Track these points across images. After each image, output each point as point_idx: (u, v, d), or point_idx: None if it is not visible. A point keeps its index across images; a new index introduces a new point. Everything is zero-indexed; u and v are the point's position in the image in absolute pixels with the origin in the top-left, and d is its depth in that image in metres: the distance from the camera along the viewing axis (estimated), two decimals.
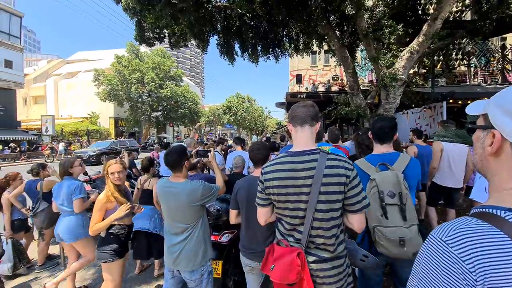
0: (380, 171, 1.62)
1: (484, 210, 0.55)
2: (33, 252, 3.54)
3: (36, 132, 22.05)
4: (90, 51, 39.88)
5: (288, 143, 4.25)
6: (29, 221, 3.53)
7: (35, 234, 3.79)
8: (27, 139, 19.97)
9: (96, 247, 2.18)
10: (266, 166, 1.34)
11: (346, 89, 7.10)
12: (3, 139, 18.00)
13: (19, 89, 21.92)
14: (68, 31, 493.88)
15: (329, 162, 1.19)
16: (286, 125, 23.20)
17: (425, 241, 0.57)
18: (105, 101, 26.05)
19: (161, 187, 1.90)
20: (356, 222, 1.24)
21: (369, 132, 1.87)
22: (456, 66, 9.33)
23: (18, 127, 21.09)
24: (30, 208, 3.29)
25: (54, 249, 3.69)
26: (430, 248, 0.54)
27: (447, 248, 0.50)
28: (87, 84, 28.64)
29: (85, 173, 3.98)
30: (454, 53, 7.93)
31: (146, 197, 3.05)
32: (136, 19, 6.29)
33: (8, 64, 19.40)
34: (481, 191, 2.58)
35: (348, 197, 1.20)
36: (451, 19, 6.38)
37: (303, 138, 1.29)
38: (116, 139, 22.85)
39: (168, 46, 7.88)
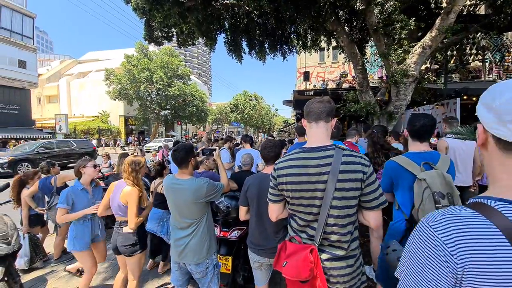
0: (424, 170, 1.54)
1: (478, 200, 0.57)
2: (49, 246, 3.67)
3: (50, 131, 22.72)
4: (100, 51, 40.66)
5: (296, 140, 4.23)
6: (45, 216, 3.66)
7: (51, 228, 3.94)
8: (42, 137, 20.61)
9: (122, 244, 2.19)
10: (279, 162, 1.32)
11: (355, 86, 7.00)
12: (18, 137, 18.64)
13: (33, 89, 22.59)
14: (79, 31, 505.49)
15: (345, 158, 1.17)
16: (293, 123, 23.05)
17: (416, 226, 0.59)
18: (115, 100, 26.57)
19: (168, 183, 1.96)
20: (372, 219, 1.22)
21: (404, 130, 1.81)
22: (470, 61, 9.04)
23: (32, 126, 21.79)
24: (46, 206, 3.40)
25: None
26: (418, 232, 0.57)
27: (432, 232, 0.53)
28: (98, 83, 29.29)
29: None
30: (468, 48, 7.68)
31: (160, 200, 3.07)
32: (145, 18, 6.38)
33: (22, 64, 19.99)
34: None
35: (365, 194, 1.18)
36: (464, 13, 6.19)
37: (317, 134, 1.27)
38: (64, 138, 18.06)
39: (176, 45, 7.95)
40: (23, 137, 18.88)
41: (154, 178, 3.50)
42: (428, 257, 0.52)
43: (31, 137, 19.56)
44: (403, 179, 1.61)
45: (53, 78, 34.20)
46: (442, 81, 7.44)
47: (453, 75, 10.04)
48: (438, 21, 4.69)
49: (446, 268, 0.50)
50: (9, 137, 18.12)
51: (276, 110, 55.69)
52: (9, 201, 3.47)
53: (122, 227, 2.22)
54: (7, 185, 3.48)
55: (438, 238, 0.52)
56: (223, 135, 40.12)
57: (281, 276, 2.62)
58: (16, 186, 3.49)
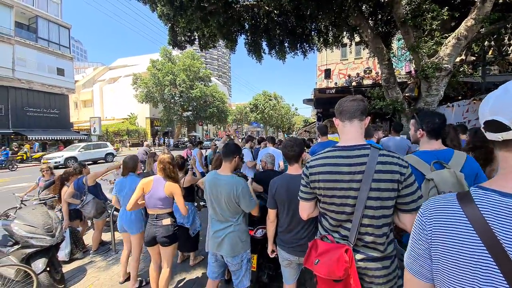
0: (435, 169, 1.48)
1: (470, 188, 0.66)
2: (89, 238, 3.98)
3: (86, 133, 24.63)
4: (129, 57, 43.09)
5: (319, 140, 4.16)
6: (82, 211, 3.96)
7: (90, 221, 4.26)
8: (79, 138, 22.34)
9: (163, 235, 2.34)
10: (312, 160, 1.32)
11: (380, 82, 6.70)
12: (58, 138, 20.41)
13: (71, 94, 24.57)
14: (110, 40, 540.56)
15: (382, 158, 1.15)
16: (313, 122, 22.58)
17: None
18: (142, 103, 28.07)
19: (210, 178, 2.10)
20: (409, 222, 1.16)
21: (419, 128, 1.66)
22: (509, 52, 8.24)
23: (71, 128, 23.75)
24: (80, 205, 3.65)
25: (105, 236, 4.09)
26: None
27: (420, 211, 0.71)
28: (126, 87, 31.12)
29: None
30: (507, 38, 7.01)
31: (184, 193, 3.22)
32: (169, 24, 6.66)
33: (61, 72, 21.86)
34: None
35: (402, 196, 1.14)
36: (501, 0, 5.65)
37: (351, 132, 1.25)
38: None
39: (197, 48, 8.20)
40: (63, 138, 20.63)
41: None
42: (415, 227, 0.71)
43: (70, 138, 21.31)
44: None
45: (88, 84, 37.00)
46: (480, 74, 6.86)
47: (492, 67, 9.20)
48: (473, 10, 4.34)
49: (423, 232, 0.67)
50: (50, 138, 19.88)
51: (296, 109, 54.98)
52: (54, 197, 3.81)
53: (161, 220, 2.35)
54: (53, 182, 3.83)
55: (421, 214, 0.69)
56: (243, 135, 40.48)
57: (305, 276, 2.61)
58: (57, 184, 3.82)
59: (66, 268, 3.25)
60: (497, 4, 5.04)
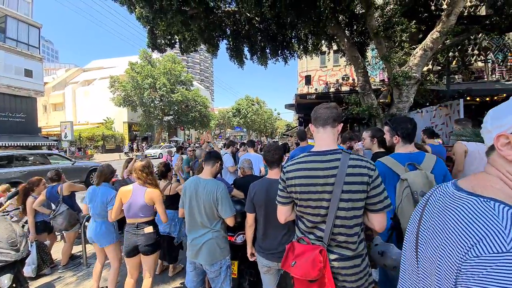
0: (408, 170, 1.60)
1: None
2: (57, 252, 3.70)
3: (56, 138, 23.03)
4: (105, 59, 41.28)
5: (301, 144, 4.24)
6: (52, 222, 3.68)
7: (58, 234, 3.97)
8: (43, 144, 20.86)
9: (145, 244, 2.26)
10: (288, 165, 1.37)
11: (357, 89, 7.02)
12: (24, 144, 18.89)
13: (40, 97, 22.95)
14: (84, 41, 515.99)
15: (352, 162, 1.22)
16: (295, 127, 23.02)
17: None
18: (119, 107, 26.89)
19: (190, 182, 2.08)
20: (376, 222, 1.25)
21: (394, 134, 1.80)
22: (472, 62, 9.04)
23: (38, 134, 22.08)
24: (51, 215, 3.41)
25: (76, 249, 3.84)
26: None
27: None
28: (102, 90, 29.69)
29: None
30: (470, 48, 7.70)
31: (167, 202, 3.10)
32: (148, 27, 6.51)
33: (28, 73, 20.34)
34: None
35: (370, 197, 1.22)
36: (465, 14, 6.22)
37: (324, 138, 1.33)
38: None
39: (179, 51, 8.07)
40: (29, 144, 19.15)
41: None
42: None
43: (37, 144, 19.83)
44: (390, 180, 1.67)
45: (59, 86, 34.76)
46: (445, 83, 7.44)
47: (456, 76, 10.02)
48: (439, 23, 4.71)
49: None
50: (15, 144, 18.36)
51: (279, 114, 55.85)
52: (18, 208, 3.52)
53: (142, 228, 2.27)
54: (17, 193, 3.54)
55: None
56: (225, 140, 40.16)
57: (286, 280, 2.63)
58: (21, 195, 3.53)
59: (33, 285, 3.02)
60: (461, 17, 5.53)
